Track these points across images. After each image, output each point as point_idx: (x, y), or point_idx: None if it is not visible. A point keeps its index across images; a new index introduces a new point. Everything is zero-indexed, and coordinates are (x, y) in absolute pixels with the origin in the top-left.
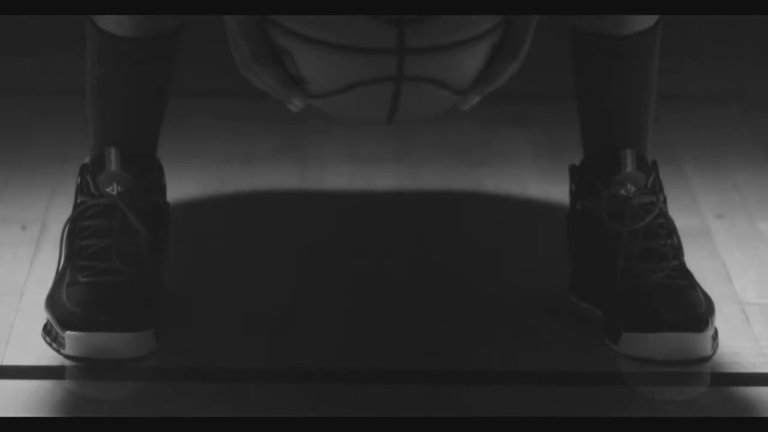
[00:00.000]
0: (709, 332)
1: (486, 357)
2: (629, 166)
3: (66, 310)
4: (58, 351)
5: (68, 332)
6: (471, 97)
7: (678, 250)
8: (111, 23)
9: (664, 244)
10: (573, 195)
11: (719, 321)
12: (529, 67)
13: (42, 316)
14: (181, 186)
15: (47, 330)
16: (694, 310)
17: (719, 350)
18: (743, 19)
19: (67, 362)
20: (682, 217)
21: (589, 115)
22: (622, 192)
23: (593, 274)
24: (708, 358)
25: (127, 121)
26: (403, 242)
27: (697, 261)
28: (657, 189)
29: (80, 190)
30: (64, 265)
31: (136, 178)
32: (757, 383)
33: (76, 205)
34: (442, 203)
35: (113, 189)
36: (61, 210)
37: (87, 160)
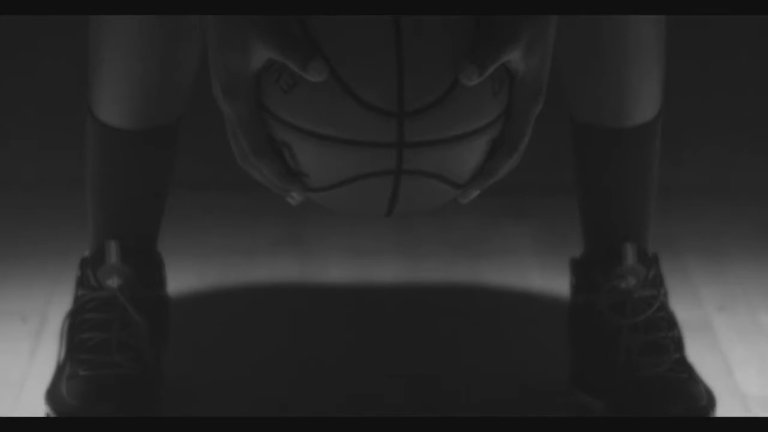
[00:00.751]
0: None
1: None
2: (630, 259)
3: (66, 403)
4: None
5: None
6: (470, 191)
7: (679, 344)
8: (111, 115)
9: (665, 337)
10: (574, 288)
11: (721, 414)
12: (529, 160)
13: (42, 409)
14: (182, 279)
15: None
16: (696, 404)
17: None
18: (744, 108)
19: None
20: (683, 310)
21: (589, 208)
22: (623, 285)
23: (595, 367)
24: None
25: (127, 214)
26: (405, 335)
27: (698, 354)
28: (658, 282)
29: (80, 283)
30: (64, 358)
31: (136, 271)
32: None
33: (76, 298)
34: (443, 296)
35: (113, 282)
36: (62, 303)
37: (87, 253)
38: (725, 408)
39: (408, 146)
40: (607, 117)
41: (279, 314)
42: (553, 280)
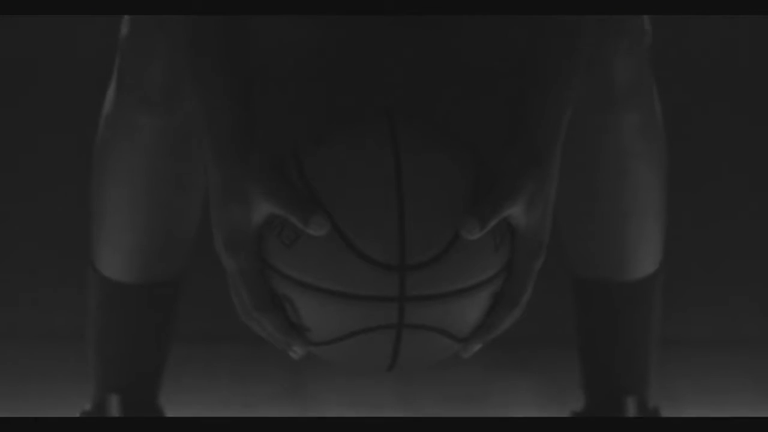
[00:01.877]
0: None
1: None
2: (631, 413)
3: None
4: None
5: None
6: (472, 345)
7: None
8: (114, 270)
9: None
10: None
11: None
12: (531, 312)
13: None
14: None
15: None
16: None
17: None
18: (745, 264)
19: None
20: None
21: (589, 361)
22: None
23: None
24: None
25: (128, 368)
26: None
27: None
28: None
29: None
30: None
31: None
32: None
33: None
34: None
35: None
36: None
37: (87, 407)
38: None
39: (409, 300)
40: (606, 271)
41: None
42: None
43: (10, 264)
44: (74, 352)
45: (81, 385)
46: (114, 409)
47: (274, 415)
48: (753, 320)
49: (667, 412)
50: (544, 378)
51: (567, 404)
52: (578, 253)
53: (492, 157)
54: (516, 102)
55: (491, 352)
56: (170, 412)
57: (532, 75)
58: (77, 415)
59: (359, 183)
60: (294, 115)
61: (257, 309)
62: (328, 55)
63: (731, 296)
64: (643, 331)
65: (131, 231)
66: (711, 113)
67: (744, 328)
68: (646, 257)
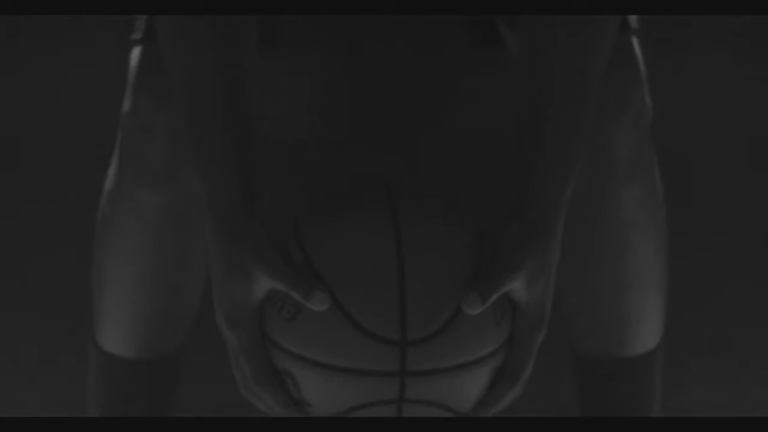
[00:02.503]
0: None
1: None
2: None
3: None
4: None
5: None
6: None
7: None
8: (114, 344)
9: None
10: None
11: None
12: (531, 388)
13: None
14: None
15: None
16: None
17: None
18: (746, 337)
19: None
20: None
21: None
22: None
23: None
24: None
25: None
26: None
27: None
28: None
29: None
30: None
31: None
32: None
33: None
34: None
35: None
36: None
37: None
38: None
39: (410, 375)
40: (606, 347)
41: None
42: None
43: (10, 333)
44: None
45: None
46: None
47: None
48: (754, 388)
49: None
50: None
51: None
52: (579, 327)
53: (493, 230)
54: (517, 176)
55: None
56: None
57: (533, 149)
58: None
59: (360, 258)
60: (294, 190)
61: (258, 383)
62: (329, 130)
63: (733, 356)
64: (645, 403)
65: (131, 307)
66: (711, 171)
67: (745, 394)
68: (646, 332)
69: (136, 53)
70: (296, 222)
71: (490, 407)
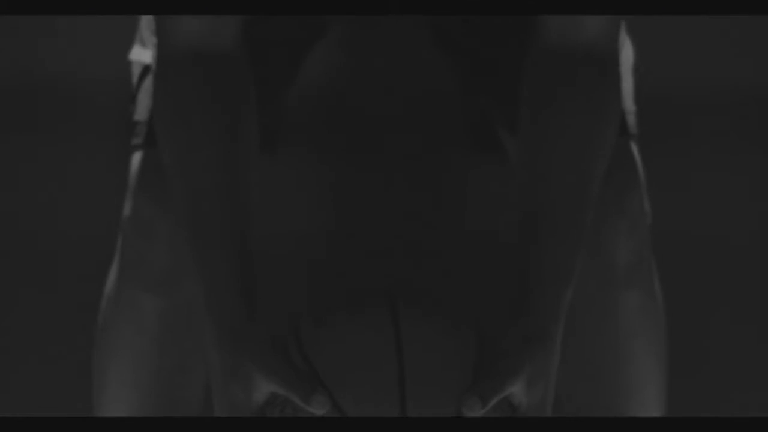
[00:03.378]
0: None
1: None
2: None
3: None
4: None
5: None
6: None
7: None
8: None
9: None
10: None
11: None
12: None
13: None
14: None
15: None
16: None
17: None
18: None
19: None
20: None
21: None
22: None
23: None
24: None
25: None
26: None
27: None
28: None
29: None
30: None
31: None
32: None
33: None
34: None
35: None
36: None
37: None
38: None
39: None
40: None
41: None
42: None
43: None
44: None
45: None
46: None
47: None
48: None
49: None
50: None
51: None
52: None
53: (493, 334)
54: (517, 280)
55: None
56: None
57: (532, 255)
58: None
59: (360, 361)
60: (294, 293)
61: None
62: (328, 233)
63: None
64: None
65: (132, 407)
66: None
67: None
68: None
69: (136, 158)
70: (296, 325)
71: None
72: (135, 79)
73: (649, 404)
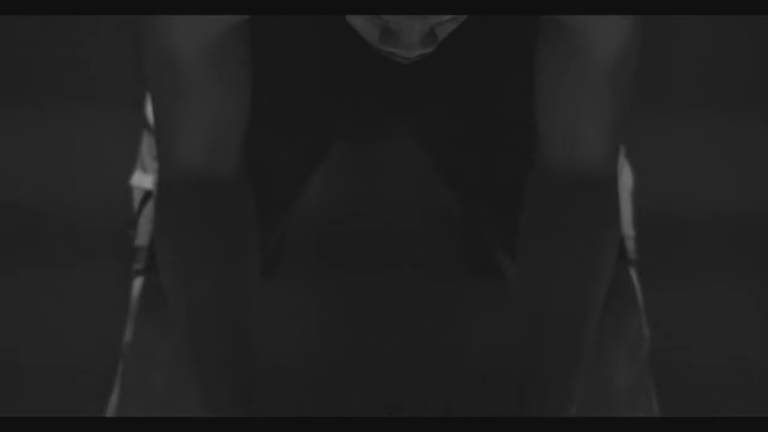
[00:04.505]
0: None
1: None
2: None
3: None
4: None
5: None
6: None
7: None
8: None
9: None
10: None
11: None
12: None
13: None
14: None
15: None
16: None
17: None
18: None
19: None
20: None
21: None
22: None
23: None
24: None
25: None
26: None
27: None
28: None
29: None
30: None
31: None
32: None
33: None
34: None
35: None
36: None
37: None
38: None
39: None
40: None
41: None
42: None
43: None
44: None
45: None
46: None
47: None
48: None
49: None
50: None
51: None
52: None
53: None
54: (517, 405)
55: None
56: None
57: (532, 382)
58: None
59: None
60: (294, 414)
61: None
62: (328, 355)
63: None
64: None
65: None
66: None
67: None
68: None
69: (137, 284)
70: None
71: None
72: (136, 204)
73: None
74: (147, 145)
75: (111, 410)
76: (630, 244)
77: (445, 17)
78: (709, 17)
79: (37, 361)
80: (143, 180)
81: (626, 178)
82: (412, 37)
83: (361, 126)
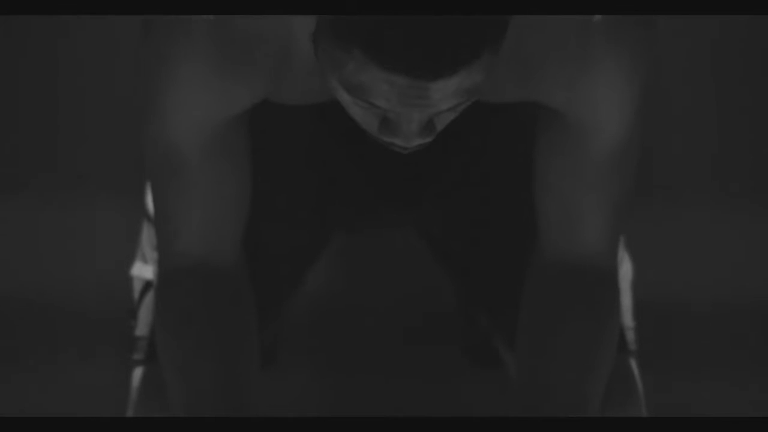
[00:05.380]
0: None
1: None
2: None
3: None
4: None
5: None
6: None
7: None
8: None
9: None
10: None
11: None
12: None
13: None
14: None
15: None
16: None
17: None
18: None
19: None
20: None
21: None
22: None
23: None
24: None
25: None
26: None
27: None
28: None
29: None
30: None
31: None
32: None
33: None
34: None
35: None
36: None
37: None
38: None
39: None
40: None
41: None
42: None
43: None
44: None
45: None
46: None
47: None
48: None
49: None
50: None
51: None
52: None
53: None
54: None
55: None
56: None
57: None
58: None
59: None
60: None
61: None
62: None
63: None
64: None
65: None
66: None
67: None
68: None
69: (137, 374)
70: None
71: None
72: (136, 295)
73: None
74: (147, 236)
75: None
76: (630, 335)
77: (444, 107)
78: (708, 105)
79: None
80: (143, 270)
81: (626, 269)
82: (411, 127)
83: (361, 218)
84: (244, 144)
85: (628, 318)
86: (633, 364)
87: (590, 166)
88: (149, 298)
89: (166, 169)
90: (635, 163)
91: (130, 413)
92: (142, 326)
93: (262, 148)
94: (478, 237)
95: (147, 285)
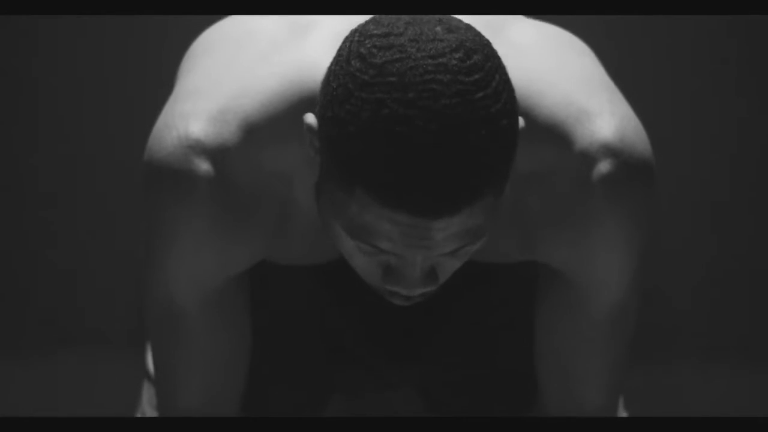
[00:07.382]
0: None
1: None
2: None
3: None
4: None
5: None
6: None
7: None
8: None
9: None
10: None
11: None
12: None
13: None
14: None
15: None
16: None
17: None
18: None
19: None
20: None
21: None
22: None
23: None
24: None
25: None
26: None
27: None
28: None
29: None
30: None
31: None
32: None
33: None
34: None
35: None
36: None
37: None
38: None
39: None
40: None
41: None
42: None
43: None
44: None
45: None
46: None
47: None
48: None
49: None
50: None
51: None
52: None
53: None
54: None
55: None
56: None
57: None
58: None
59: None
60: None
61: None
62: None
63: None
64: None
65: None
66: None
67: None
68: None
69: None
70: None
71: None
72: None
73: None
74: (147, 396)
75: None
76: None
77: (447, 249)
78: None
79: None
80: None
81: None
82: (414, 272)
83: (360, 378)
84: (243, 302)
85: None
86: None
87: (591, 325)
88: None
89: (165, 327)
90: (635, 320)
91: None
92: None
93: (262, 305)
94: (474, 395)
95: None
